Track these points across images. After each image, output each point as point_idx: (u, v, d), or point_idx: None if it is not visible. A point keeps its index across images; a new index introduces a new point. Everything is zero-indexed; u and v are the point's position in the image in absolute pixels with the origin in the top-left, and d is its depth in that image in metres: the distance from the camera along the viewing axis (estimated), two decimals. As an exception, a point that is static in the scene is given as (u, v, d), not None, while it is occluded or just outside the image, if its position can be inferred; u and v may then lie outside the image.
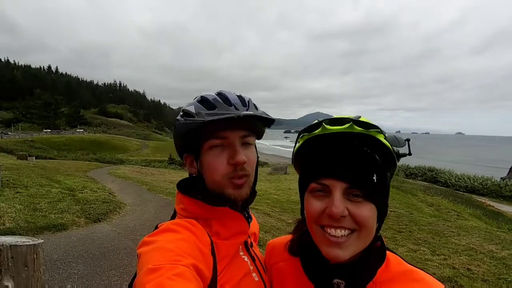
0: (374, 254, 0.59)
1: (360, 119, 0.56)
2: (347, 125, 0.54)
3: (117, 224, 5.84)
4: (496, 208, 16.20)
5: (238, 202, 0.69)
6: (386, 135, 0.57)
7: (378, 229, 0.57)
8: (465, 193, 20.12)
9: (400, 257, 0.62)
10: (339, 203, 0.52)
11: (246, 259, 0.70)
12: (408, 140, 0.59)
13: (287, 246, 0.72)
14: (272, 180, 15.09)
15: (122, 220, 6.17)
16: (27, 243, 1.16)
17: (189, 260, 0.51)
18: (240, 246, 0.71)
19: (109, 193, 8.70)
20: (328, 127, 0.55)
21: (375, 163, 0.54)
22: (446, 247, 6.10)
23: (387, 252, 0.61)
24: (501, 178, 27.10)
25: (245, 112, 0.64)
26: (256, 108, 0.71)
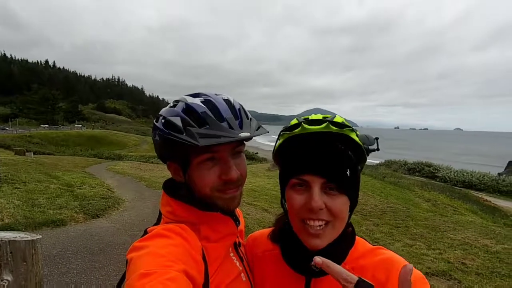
0: (346, 239, 0.67)
1: (335, 119, 0.62)
2: (323, 125, 0.60)
3: (115, 220, 5.87)
4: (493, 203, 16.33)
5: (231, 211, 0.69)
6: (358, 133, 0.64)
7: (349, 217, 0.65)
8: (462, 188, 20.26)
9: (364, 239, 0.71)
10: (318, 198, 0.58)
11: (235, 260, 0.71)
12: (377, 138, 0.66)
13: (268, 236, 0.76)
14: (271, 176, 15.12)
15: (120, 216, 6.19)
16: (26, 239, 1.18)
17: (181, 266, 0.51)
18: (230, 248, 0.71)
19: (108, 189, 8.72)
20: (307, 126, 0.61)
21: (349, 159, 0.60)
22: (442, 242, 6.19)
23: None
24: (498, 173, 27.29)
25: (243, 135, 0.60)
26: (247, 115, 0.67)
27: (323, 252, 0.62)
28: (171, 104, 0.67)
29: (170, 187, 0.71)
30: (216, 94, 0.68)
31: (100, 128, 68.02)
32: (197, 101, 0.63)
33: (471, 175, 23.43)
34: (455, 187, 20.58)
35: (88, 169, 14.28)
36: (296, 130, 0.62)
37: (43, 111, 67.95)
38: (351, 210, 0.64)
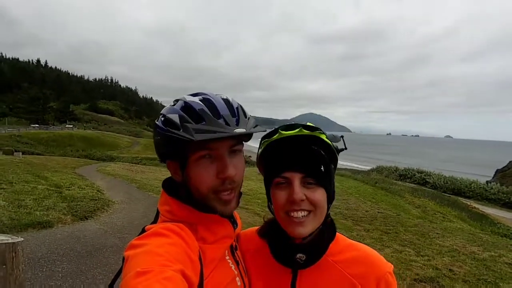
0: (327, 232, 0.74)
1: (307, 124, 0.71)
2: (297, 129, 0.68)
3: (104, 222, 5.77)
4: (481, 211, 16.64)
5: (227, 215, 0.69)
6: (327, 134, 0.72)
7: (328, 208, 0.72)
8: (451, 195, 20.58)
9: (343, 235, 0.78)
10: (298, 190, 0.66)
11: (231, 263, 0.71)
12: (342, 136, 0.76)
13: (257, 231, 0.81)
14: (263, 179, 15.11)
15: (110, 218, 6.09)
16: (6, 241, 1.15)
17: (178, 266, 0.51)
18: (226, 251, 0.71)
19: (98, 191, 8.58)
20: (283, 132, 0.69)
21: (322, 157, 0.69)
22: (430, 248, 6.25)
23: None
24: (487, 181, 27.82)
25: (238, 131, 0.61)
26: (245, 115, 0.67)
27: (306, 245, 0.70)
28: (172, 104, 0.69)
29: (169, 186, 0.71)
30: (216, 94, 0.69)
31: (92, 129, 67.03)
32: (196, 99, 0.65)
33: (460, 182, 23.83)
34: (445, 194, 20.89)
35: (78, 170, 14.05)
36: (274, 137, 0.70)
37: (33, 111, 66.70)
38: (329, 202, 0.72)
